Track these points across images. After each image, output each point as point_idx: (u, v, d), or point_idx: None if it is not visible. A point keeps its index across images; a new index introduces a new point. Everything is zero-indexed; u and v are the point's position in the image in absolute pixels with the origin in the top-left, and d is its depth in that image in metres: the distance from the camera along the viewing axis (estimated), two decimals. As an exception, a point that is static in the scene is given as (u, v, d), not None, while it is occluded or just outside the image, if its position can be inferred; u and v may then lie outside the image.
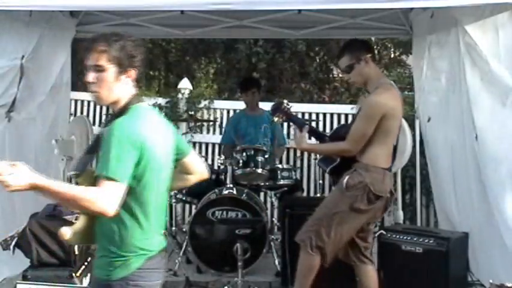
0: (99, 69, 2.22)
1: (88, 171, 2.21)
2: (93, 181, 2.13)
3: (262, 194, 5.88)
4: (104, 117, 7.66)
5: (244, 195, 5.07)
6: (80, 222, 2.25)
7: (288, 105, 4.09)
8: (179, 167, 2.51)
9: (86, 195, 2.04)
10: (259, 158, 5.11)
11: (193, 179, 2.62)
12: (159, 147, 2.24)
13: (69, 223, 3.68)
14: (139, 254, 2.23)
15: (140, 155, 2.13)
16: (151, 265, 2.28)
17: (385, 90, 3.75)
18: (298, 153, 7.37)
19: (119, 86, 2.25)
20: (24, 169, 1.99)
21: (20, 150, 4.72)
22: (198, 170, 2.60)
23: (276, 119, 4.00)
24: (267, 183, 5.28)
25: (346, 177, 3.67)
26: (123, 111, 2.24)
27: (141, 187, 2.19)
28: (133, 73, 2.27)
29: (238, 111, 6.53)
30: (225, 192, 5.06)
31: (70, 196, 2.04)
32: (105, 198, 2.04)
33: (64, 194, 2.04)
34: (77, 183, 2.19)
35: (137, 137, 2.13)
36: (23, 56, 4.46)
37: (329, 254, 3.73)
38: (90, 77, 2.23)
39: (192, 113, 7.14)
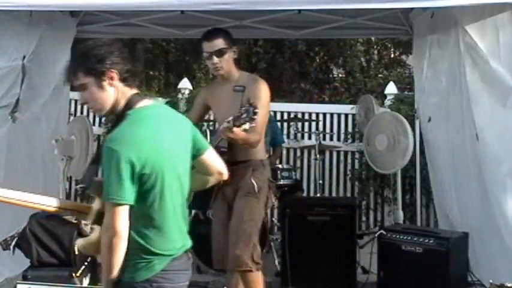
0: (82, 88, 2.20)
1: (96, 182, 2.18)
2: (102, 190, 2.11)
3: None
4: (103, 117, 7.67)
5: (244, 195, 5.05)
6: (96, 234, 2.24)
7: None
8: (196, 166, 2.41)
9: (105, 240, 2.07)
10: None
11: (211, 180, 2.52)
12: (163, 150, 2.16)
13: (69, 223, 3.69)
14: (163, 255, 2.23)
15: (140, 166, 2.07)
16: (176, 266, 2.28)
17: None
18: (299, 153, 7.38)
19: (107, 94, 2.19)
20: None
21: (28, 150, 4.73)
22: (216, 170, 2.49)
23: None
24: (267, 183, 5.27)
25: (252, 181, 3.55)
26: (121, 116, 2.18)
27: (153, 196, 2.15)
28: (114, 75, 2.18)
29: None
30: (225, 192, 5.04)
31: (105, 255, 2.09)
32: (114, 224, 2.05)
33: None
34: (88, 196, 2.17)
35: (131, 152, 2.06)
36: (24, 57, 4.46)
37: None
38: (81, 98, 2.24)
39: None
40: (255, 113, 3.18)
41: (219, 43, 3.56)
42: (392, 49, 11.21)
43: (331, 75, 10.98)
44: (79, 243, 2.21)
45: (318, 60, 10.68)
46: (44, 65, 4.88)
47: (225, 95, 3.64)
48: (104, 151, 2.07)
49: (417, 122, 5.55)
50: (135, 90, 2.25)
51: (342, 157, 7.37)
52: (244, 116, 3.19)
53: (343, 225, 4.64)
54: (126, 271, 2.16)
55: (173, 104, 7.38)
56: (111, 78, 2.17)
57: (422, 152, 5.59)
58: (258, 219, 3.57)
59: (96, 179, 2.17)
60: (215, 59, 3.56)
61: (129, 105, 2.20)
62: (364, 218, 7.12)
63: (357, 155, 7.25)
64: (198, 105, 3.87)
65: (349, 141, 7.27)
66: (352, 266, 4.63)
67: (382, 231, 4.42)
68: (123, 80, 2.20)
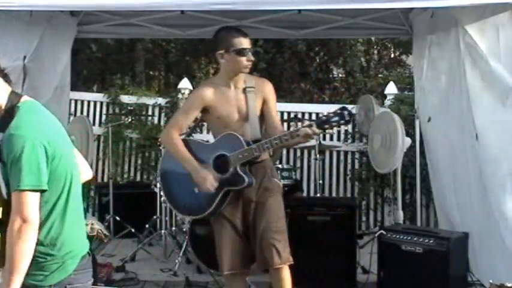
0: None
1: None
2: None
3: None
4: (104, 117, 7.68)
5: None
6: None
7: None
8: None
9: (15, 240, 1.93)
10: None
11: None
12: (61, 141, 2.13)
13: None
14: (76, 255, 2.12)
15: (52, 150, 2.02)
16: (83, 265, 2.15)
17: None
18: (299, 153, 7.38)
19: None
20: None
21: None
22: (81, 170, 2.37)
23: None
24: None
25: (276, 180, 3.65)
26: (10, 112, 2.08)
27: (64, 183, 2.09)
28: None
29: None
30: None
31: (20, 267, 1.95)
32: (26, 213, 1.93)
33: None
34: None
35: (41, 136, 2.01)
36: (24, 57, 4.46)
37: None
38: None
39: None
40: (350, 115, 3.15)
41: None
42: (392, 49, 11.21)
43: (331, 75, 10.98)
44: None
45: (318, 60, 10.68)
46: (44, 65, 4.88)
47: (233, 96, 3.56)
48: (8, 140, 1.98)
49: (417, 122, 5.55)
50: (10, 88, 2.19)
51: (342, 157, 7.37)
52: (336, 118, 3.15)
53: (343, 225, 4.64)
54: (32, 274, 2.03)
55: (173, 104, 7.40)
56: None
57: (422, 152, 5.59)
58: (284, 213, 3.66)
59: None
60: (251, 56, 3.52)
61: (14, 100, 2.12)
62: (364, 218, 7.12)
63: (357, 155, 7.25)
64: (198, 107, 3.59)
65: (349, 141, 7.26)
66: (352, 266, 4.64)
67: (382, 231, 4.43)
68: (3, 76, 2.15)
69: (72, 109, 7.40)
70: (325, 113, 3.21)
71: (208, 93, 3.56)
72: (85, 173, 2.40)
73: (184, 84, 7.57)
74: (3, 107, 2.11)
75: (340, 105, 3.28)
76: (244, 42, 3.50)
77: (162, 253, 5.49)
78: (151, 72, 11.56)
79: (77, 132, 5.01)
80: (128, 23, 5.66)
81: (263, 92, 3.58)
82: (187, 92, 7.46)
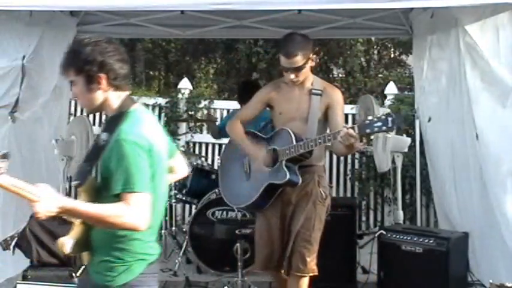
0: (72, 83, 2.21)
1: (89, 180, 2.15)
2: (95, 191, 2.11)
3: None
4: (104, 117, 7.67)
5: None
6: (77, 231, 2.19)
7: None
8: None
9: (113, 213, 2.01)
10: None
11: (171, 179, 2.50)
12: (162, 150, 2.21)
13: (70, 223, 3.69)
14: (142, 259, 2.19)
15: (150, 162, 2.10)
16: (151, 270, 2.23)
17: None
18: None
19: (94, 95, 2.18)
20: (49, 192, 2.00)
21: (28, 150, 4.73)
22: (180, 170, 2.53)
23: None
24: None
25: (320, 189, 3.63)
26: (119, 117, 2.17)
27: (153, 193, 2.15)
28: (103, 80, 2.15)
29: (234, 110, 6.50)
30: (225, 192, 5.06)
31: (98, 216, 2.02)
32: (134, 213, 2.01)
33: (92, 214, 2.03)
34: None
35: (147, 144, 2.09)
36: (24, 57, 4.45)
37: None
38: (72, 92, 2.25)
39: (192, 113, 7.14)
40: (394, 122, 3.11)
41: (298, 60, 3.54)
42: (392, 49, 11.21)
43: (331, 75, 10.97)
44: (63, 243, 2.14)
45: (318, 60, 10.68)
46: (44, 64, 4.88)
47: (297, 96, 3.66)
48: (118, 144, 2.06)
49: (417, 122, 5.55)
50: (127, 92, 2.25)
51: (342, 157, 7.36)
52: (379, 124, 3.12)
53: (343, 225, 4.64)
54: (102, 275, 2.16)
55: (173, 104, 7.39)
56: (99, 83, 2.16)
57: (422, 152, 5.59)
58: (322, 227, 3.66)
59: (89, 177, 2.14)
60: (292, 76, 3.58)
61: (124, 106, 2.20)
62: (364, 218, 7.11)
63: (357, 155, 7.24)
64: (258, 102, 3.80)
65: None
66: (352, 266, 4.63)
67: (382, 231, 4.43)
68: (113, 83, 2.18)
69: (72, 109, 7.39)
70: (370, 117, 3.18)
71: (271, 90, 3.78)
72: (181, 171, 2.52)
73: (184, 84, 7.56)
74: (111, 110, 2.21)
75: (386, 111, 3.30)
76: (283, 62, 3.58)
77: (162, 253, 5.49)
78: (151, 72, 11.56)
79: (77, 132, 5.00)
80: (128, 23, 5.65)
81: (330, 98, 3.65)
82: (187, 92, 7.46)
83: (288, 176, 3.47)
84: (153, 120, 2.29)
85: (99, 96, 2.18)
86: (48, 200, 1.98)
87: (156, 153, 2.14)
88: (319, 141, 3.40)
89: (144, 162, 2.06)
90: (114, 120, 2.18)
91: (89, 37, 2.21)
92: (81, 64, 2.13)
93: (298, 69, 3.55)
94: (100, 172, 2.10)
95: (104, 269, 2.16)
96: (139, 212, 2.02)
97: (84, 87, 2.17)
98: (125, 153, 2.04)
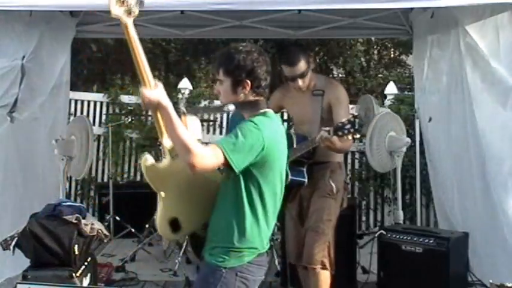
0: (219, 82, 2.45)
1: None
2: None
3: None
4: (104, 117, 7.67)
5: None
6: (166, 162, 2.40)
7: None
8: None
9: (190, 142, 2.17)
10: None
11: None
12: (279, 153, 2.39)
13: (70, 223, 3.70)
14: (253, 249, 2.36)
15: (263, 155, 2.27)
16: (259, 261, 2.40)
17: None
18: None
19: (236, 96, 2.42)
20: (160, 88, 2.33)
21: (27, 150, 4.73)
22: None
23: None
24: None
25: (331, 182, 3.75)
26: (252, 111, 2.41)
27: (264, 186, 2.33)
28: (248, 85, 2.39)
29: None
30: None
31: (177, 132, 2.20)
32: (201, 155, 2.16)
33: (175, 127, 2.21)
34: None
35: (263, 138, 2.27)
36: (23, 57, 4.46)
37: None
38: (215, 88, 2.50)
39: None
40: (361, 126, 3.36)
41: (301, 66, 3.70)
42: (392, 49, 11.21)
43: (331, 75, 10.97)
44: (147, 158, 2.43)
45: (318, 60, 10.68)
46: (43, 64, 4.88)
47: (302, 99, 3.80)
48: (245, 123, 2.32)
49: (417, 122, 5.55)
50: (262, 98, 2.47)
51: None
52: (348, 126, 3.36)
53: (343, 225, 4.63)
54: (216, 256, 2.35)
55: (173, 104, 7.37)
56: (244, 87, 2.40)
57: (422, 152, 5.59)
58: (334, 220, 3.77)
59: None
60: (299, 82, 3.72)
61: (257, 107, 2.43)
62: (364, 218, 7.12)
63: (357, 155, 7.25)
64: (273, 106, 3.82)
65: (349, 141, 7.25)
66: (352, 266, 4.63)
67: (382, 231, 4.42)
68: (255, 90, 2.42)
69: (72, 109, 7.39)
70: (343, 120, 3.41)
71: (280, 94, 4.00)
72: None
73: (184, 84, 7.56)
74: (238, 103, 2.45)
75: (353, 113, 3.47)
76: (287, 71, 3.75)
77: (162, 253, 5.49)
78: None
79: (77, 132, 5.00)
80: (128, 23, 5.64)
81: (332, 95, 3.77)
82: (187, 92, 7.46)
83: (289, 177, 3.58)
84: (278, 128, 2.46)
85: (240, 96, 2.43)
86: (158, 92, 2.30)
87: (271, 151, 2.31)
88: (303, 147, 3.61)
89: (250, 140, 2.24)
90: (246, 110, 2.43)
91: (244, 44, 2.47)
92: (233, 68, 2.39)
93: (303, 75, 3.70)
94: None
95: (217, 252, 2.35)
96: (204, 157, 2.18)
97: (229, 87, 2.42)
98: (244, 125, 2.30)
